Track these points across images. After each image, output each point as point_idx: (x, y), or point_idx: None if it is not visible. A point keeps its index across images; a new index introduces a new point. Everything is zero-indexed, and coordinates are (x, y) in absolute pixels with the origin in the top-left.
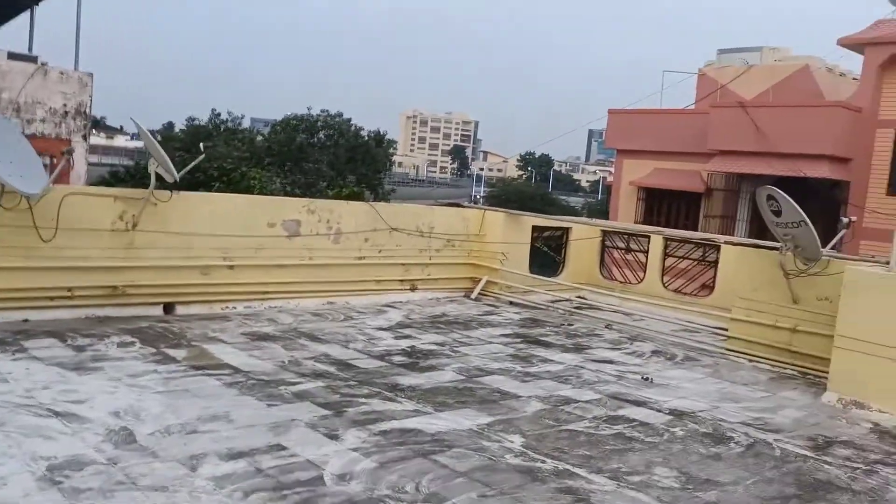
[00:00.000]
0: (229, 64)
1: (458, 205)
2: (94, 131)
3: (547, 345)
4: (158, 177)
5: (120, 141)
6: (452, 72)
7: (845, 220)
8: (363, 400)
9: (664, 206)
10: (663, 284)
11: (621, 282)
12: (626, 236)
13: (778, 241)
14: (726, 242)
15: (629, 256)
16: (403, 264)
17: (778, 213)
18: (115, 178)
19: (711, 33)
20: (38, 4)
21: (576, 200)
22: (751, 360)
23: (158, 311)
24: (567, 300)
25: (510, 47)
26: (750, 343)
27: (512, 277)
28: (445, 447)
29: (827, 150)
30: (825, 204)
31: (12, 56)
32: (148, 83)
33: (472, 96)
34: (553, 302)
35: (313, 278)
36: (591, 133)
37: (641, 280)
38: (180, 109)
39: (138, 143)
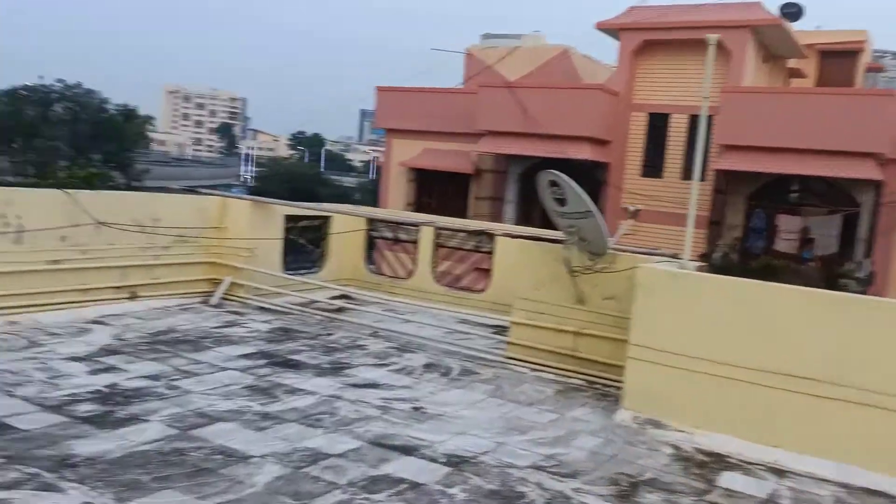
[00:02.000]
0: None
1: (193, 191)
2: None
3: (298, 366)
4: None
5: None
6: (218, 47)
7: (631, 208)
8: None
9: (435, 187)
10: (434, 278)
11: (390, 276)
12: (393, 225)
13: (560, 232)
14: (505, 234)
15: (397, 248)
16: (119, 267)
17: (562, 202)
18: None
19: (476, 18)
20: None
21: (350, 181)
22: (534, 370)
23: None
24: (328, 302)
25: (281, 22)
26: (533, 350)
27: (261, 278)
28: None
29: (588, 132)
30: (588, 186)
31: None
32: None
33: (240, 73)
34: (311, 305)
35: None
36: (363, 113)
37: (411, 274)
38: None
39: None
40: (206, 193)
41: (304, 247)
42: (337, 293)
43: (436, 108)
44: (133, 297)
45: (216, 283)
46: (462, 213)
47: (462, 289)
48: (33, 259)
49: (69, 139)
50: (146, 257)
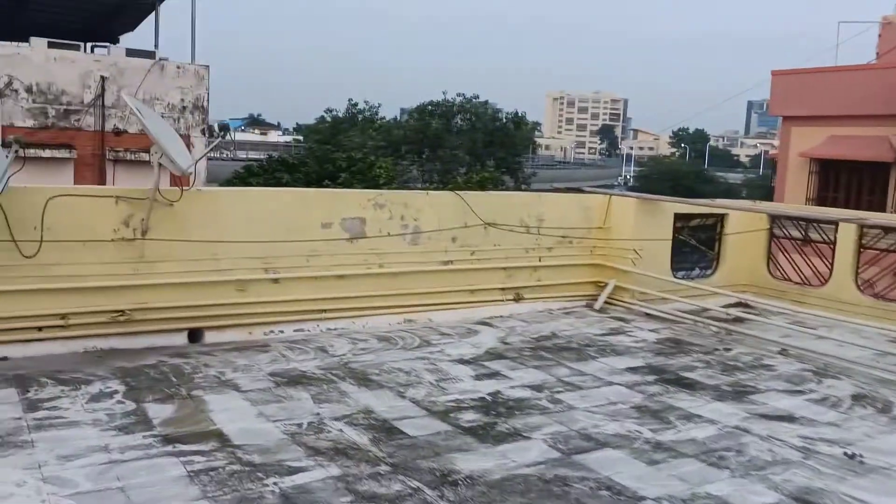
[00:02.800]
0: (365, 54)
1: (577, 190)
2: (250, 128)
3: (692, 386)
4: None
5: (273, 136)
6: (600, 48)
7: None
8: None
9: (842, 180)
10: (858, 287)
11: (797, 283)
12: (802, 223)
13: None
14: None
15: (807, 249)
16: (505, 268)
17: None
18: (248, 173)
19: None
20: (160, 5)
21: (735, 177)
22: None
23: (182, 338)
24: (723, 310)
25: (655, 17)
26: None
27: (648, 281)
28: None
29: None
30: None
31: (130, 53)
32: (280, 80)
33: (620, 74)
34: (703, 313)
35: (384, 290)
36: (750, 104)
37: (826, 281)
38: (317, 102)
39: (288, 138)
40: (591, 192)
41: (695, 248)
42: (733, 301)
43: (844, 88)
44: (518, 299)
45: (600, 286)
46: (879, 209)
47: (893, 300)
48: (428, 259)
49: (467, 147)
50: (531, 258)
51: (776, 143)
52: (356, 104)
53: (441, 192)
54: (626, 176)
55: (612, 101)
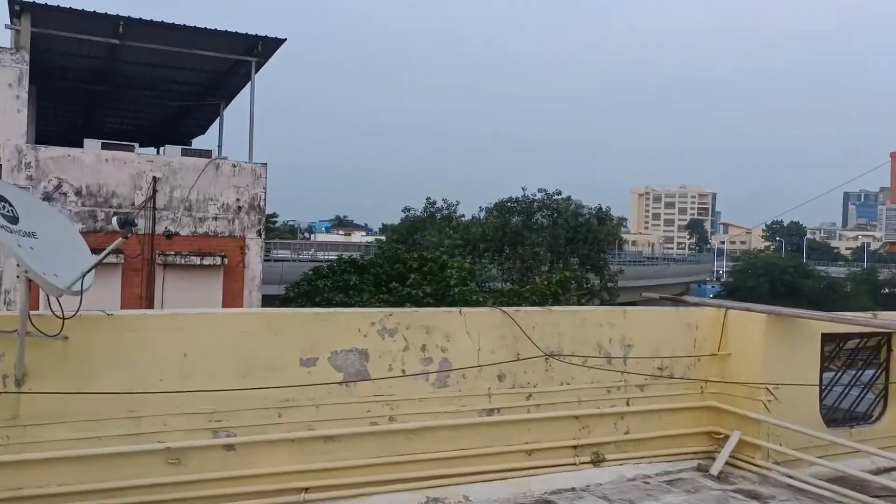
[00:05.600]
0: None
1: (679, 301)
2: (335, 229)
3: None
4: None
5: (357, 237)
6: (684, 144)
7: None
8: None
9: None
10: None
11: None
12: None
13: None
14: None
15: None
16: (577, 417)
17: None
18: (316, 275)
19: None
20: (225, 108)
21: (837, 270)
22: None
23: None
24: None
25: (742, 119)
26: None
27: (789, 436)
28: None
29: None
30: None
31: (186, 152)
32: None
33: (707, 168)
34: (875, 476)
35: (397, 455)
36: (846, 196)
37: None
38: (405, 201)
39: (370, 238)
40: (697, 304)
41: (851, 383)
42: None
43: None
44: (597, 462)
45: (718, 439)
46: None
47: None
48: (462, 407)
49: (549, 244)
50: (615, 401)
51: (877, 234)
52: (434, 202)
53: (482, 310)
54: (717, 272)
55: (699, 196)
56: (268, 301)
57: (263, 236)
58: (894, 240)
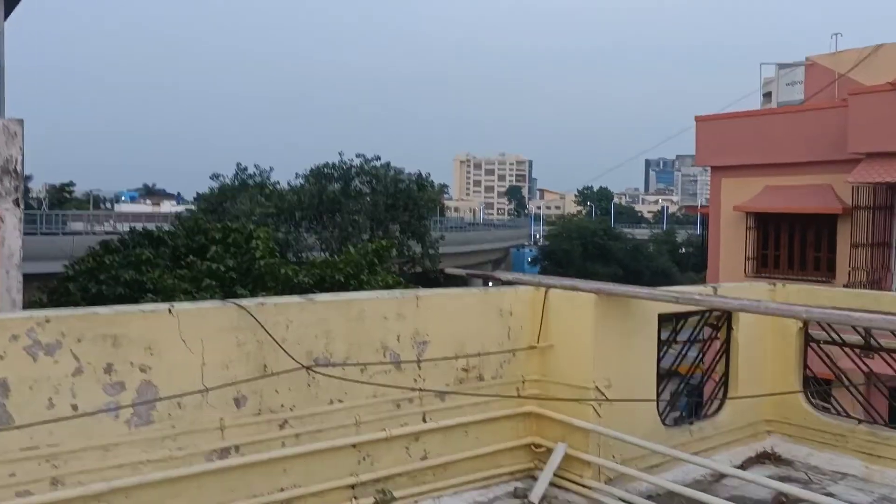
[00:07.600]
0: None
1: (489, 278)
2: (143, 199)
3: None
4: None
5: (166, 207)
6: (503, 113)
7: None
8: None
9: (784, 235)
10: None
11: (861, 420)
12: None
13: None
14: None
15: (873, 362)
16: (354, 445)
17: None
18: (105, 249)
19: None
20: None
21: (641, 232)
22: None
23: None
24: (744, 477)
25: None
26: None
27: (622, 447)
28: None
29: None
30: None
31: None
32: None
33: (525, 137)
34: (719, 481)
35: None
36: (647, 162)
37: None
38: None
39: (181, 208)
40: (505, 282)
41: (691, 372)
42: (755, 452)
43: (778, 133)
44: (385, 503)
45: (539, 453)
46: (828, 268)
47: None
48: (175, 452)
49: (369, 212)
50: (405, 419)
51: (675, 198)
52: (245, 168)
53: (206, 306)
54: (534, 235)
55: (517, 163)
56: (40, 280)
57: (22, 206)
58: (689, 203)
